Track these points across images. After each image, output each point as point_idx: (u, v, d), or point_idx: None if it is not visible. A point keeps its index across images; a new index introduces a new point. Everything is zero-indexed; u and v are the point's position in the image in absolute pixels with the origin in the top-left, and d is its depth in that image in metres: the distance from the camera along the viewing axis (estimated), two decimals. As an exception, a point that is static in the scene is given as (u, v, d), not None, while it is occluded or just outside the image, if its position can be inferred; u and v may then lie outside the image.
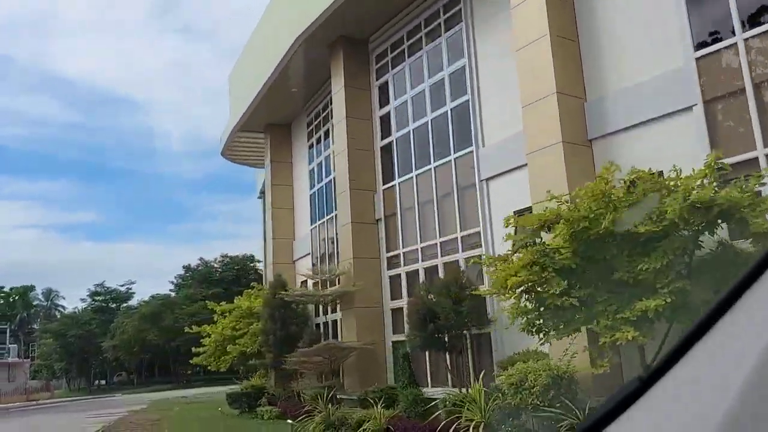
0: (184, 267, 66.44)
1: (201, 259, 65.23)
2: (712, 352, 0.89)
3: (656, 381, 0.95)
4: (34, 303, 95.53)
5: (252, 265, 64.11)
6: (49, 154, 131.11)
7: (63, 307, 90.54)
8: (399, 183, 17.01)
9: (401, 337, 15.30)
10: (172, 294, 62.83)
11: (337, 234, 19.18)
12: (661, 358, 0.96)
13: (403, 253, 16.53)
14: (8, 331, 59.24)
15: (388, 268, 17.07)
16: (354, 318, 16.82)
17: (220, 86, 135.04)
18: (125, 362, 64.32)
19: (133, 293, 70.53)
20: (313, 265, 21.33)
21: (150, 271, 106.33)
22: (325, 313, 20.52)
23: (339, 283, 18.01)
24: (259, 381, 21.78)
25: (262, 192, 28.47)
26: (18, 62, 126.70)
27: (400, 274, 16.53)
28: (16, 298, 30.41)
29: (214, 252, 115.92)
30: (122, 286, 70.64)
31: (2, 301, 30.73)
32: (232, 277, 62.69)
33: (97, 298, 69.65)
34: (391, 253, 17.03)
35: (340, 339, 17.78)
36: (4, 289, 30.80)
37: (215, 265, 64.93)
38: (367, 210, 17.59)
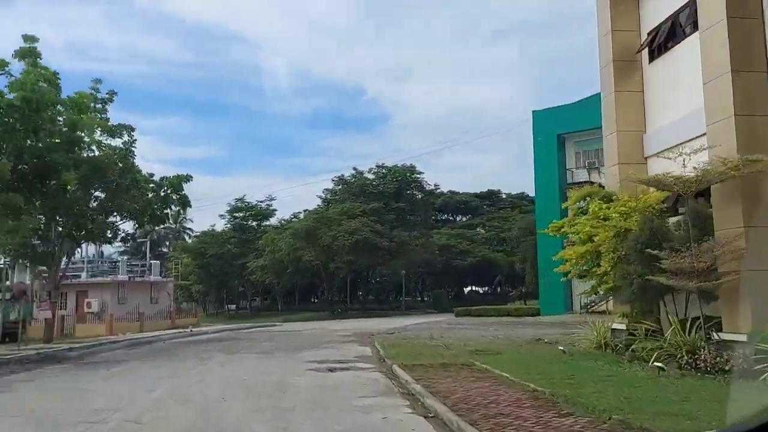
0: (334, 180, 57.40)
1: (355, 169, 55.77)
2: None
3: None
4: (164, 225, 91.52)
5: (414, 176, 53.84)
6: (166, 92, 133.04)
7: (191, 230, 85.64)
8: None
9: None
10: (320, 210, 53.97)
11: None
12: None
13: None
14: (149, 244, 52.90)
15: None
16: None
17: (320, 20, 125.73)
18: (273, 285, 57.12)
19: (275, 210, 62.82)
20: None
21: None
22: None
23: None
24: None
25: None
26: (137, 3, 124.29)
27: None
28: (168, 191, 20.48)
29: (325, 183, 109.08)
30: (262, 201, 63.08)
31: (151, 194, 21.27)
32: (393, 190, 52.83)
33: (236, 214, 62.45)
34: None
35: None
36: (154, 178, 20.80)
37: (370, 177, 55.22)
38: None
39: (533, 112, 42.22)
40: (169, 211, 24.78)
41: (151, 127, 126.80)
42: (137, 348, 21.48)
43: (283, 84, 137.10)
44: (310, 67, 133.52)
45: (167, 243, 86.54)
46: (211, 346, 21.67)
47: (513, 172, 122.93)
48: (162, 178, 24.52)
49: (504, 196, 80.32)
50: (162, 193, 24.28)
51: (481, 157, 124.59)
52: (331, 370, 13.34)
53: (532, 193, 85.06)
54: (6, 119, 16.32)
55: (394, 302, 67.63)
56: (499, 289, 72.79)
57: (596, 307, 37.63)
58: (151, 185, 24.01)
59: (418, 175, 53.81)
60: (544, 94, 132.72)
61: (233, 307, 76.39)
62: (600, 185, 38.52)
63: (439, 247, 58.56)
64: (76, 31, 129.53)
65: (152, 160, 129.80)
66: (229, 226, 63.12)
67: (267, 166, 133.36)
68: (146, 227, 33.09)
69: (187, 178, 24.50)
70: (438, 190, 53.99)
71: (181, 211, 24.16)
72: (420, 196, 55.00)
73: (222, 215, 63.26)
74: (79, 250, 47.48)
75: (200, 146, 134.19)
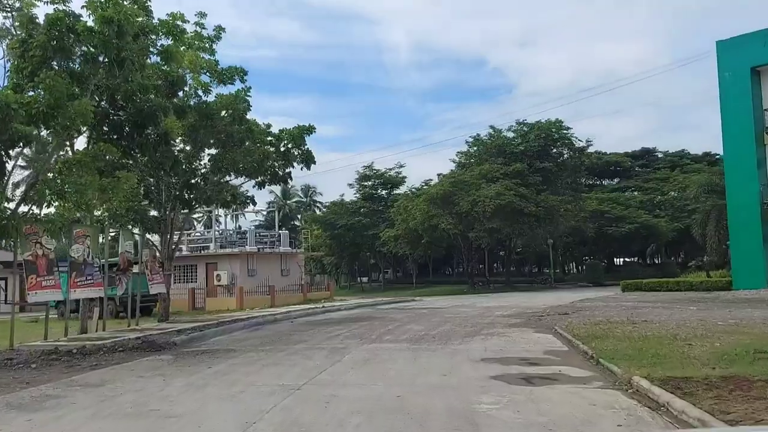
0: (468, 141, 51.98)
1: (492, 127, 49.97)
2: None
3: None
4: (294, 200, 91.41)
5: (562, 132, 47.13)
6: (294, 73, 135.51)
7: (321, 203, 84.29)
8: None
9: None
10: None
11: None
12: None
13: None
14: (277, 214, 51.00)
15: None
16: None
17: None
18: (406, 257, 53.27)
19: (404, 178, 58.66)
20: None
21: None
22: None
23: None
24: None
25: None
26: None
27: None
28: (289, 145, 16.10)
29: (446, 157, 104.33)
30: (391, 169, 59.15)
31: (273, 149, 17.21)
32: (537, 148, 46.53)
33: (365, 183, 59.12)
34: None
35: None
36: (272, 130, 16.51)
37: (510, 135, 49.24)
38: None
39: (717, 42, 34.10)
40: (291, 169, 20.95)
41: (277, 109, 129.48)
42: (259, 330, 17.99)
43: (404, 59, 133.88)
44: (430, 40, 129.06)
45: (299, 216, 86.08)
46: (346, 328, 17.68)
47: (665, 133, 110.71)
48: (281, 131, 20.78)
49: (660, 155, 70.64)
50: (282, 148, 20.55)
51: (621, 120, 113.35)
52: (528, 380, 8.53)
53: (693, 150, 75.25)
54: (84, 47, 12.88)
55: (539, 275, 61.44)
56: (657, 259, 64.10)
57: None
58: (269, 138, 20.33)
59: (565, 131, 47.05)
60: (684, 49, 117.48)
61: (365, 279, 74.09)
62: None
63: (589, 212, 51.57)
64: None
65: None
66: (358, 195, 60.02)
67: (392, 140, 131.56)
68: (269, 188, 29.77)
69: (310, 130, 20.60)
70: (590, 146, 47.02)
71: (305, 168, 20.15)
72: (568, 154, 48.18)
73: (350, 184, 60.28)
74: (218, 221, 46.71)
75: (326, 126, 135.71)
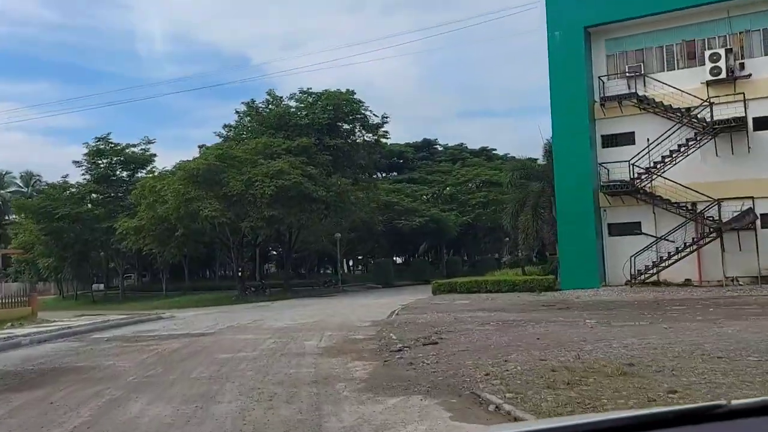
0: (239, 112, 41.36)
1: (269, 94, 40.01)
2: None
3: None
4: (10, 189, 72.17)
5: (354, 104, 39.24)
6: (30, 56, 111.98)
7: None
8: None
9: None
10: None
11: None
12: None
13: None
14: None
15: None
16: None
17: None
18: (154, 257, 40.62)
19: (154, 156, 45.70)
20: None
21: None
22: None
23: None
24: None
25: None
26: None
27: None
28: None
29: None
30: (135, 145, 45.69)
31: None
32: (326, 121, 38.00)
33: (100, 160, 44.82)
34: None
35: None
36: None
37: (291, 105, 39.99)
38: None
39: (546, -6, 28.79)
40: None
41: (12, 92, 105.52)
42: None
43: (159, 49, 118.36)
44: (188, 34, 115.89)
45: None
46: None
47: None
48: None
49: (441, 148, 67.82)
50: None
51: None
52: None
53: (471, 145, 74.25)
54: None
55: (319, 276, 53.14)
56: (446, 257, 60.45)
57: (648, 276, 25.88)
58: None
59: (358, 104, 39.29)
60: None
61: (102, 287, 58.63)
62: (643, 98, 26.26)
63: (378, 203, 44.88)
64: None
65: (15, 128, 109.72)
66: (87, 176, 45.46)
67: (146, 135, 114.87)
68: None
69: None
70: (387, 121, 39.94)
71: None
72: (360, 131, 40.49)
73: (77, 162, 45.31)
74: None
75: (69, 114, 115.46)
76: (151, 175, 36.24)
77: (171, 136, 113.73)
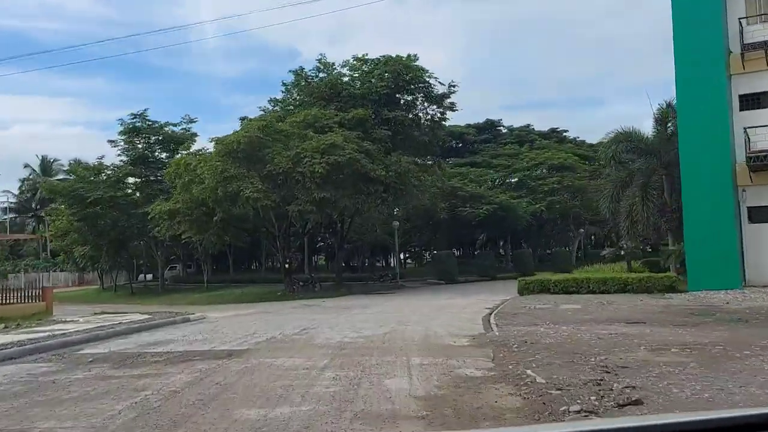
0: (285, 84, 36.66)
1: (320, 61, 35.07)
2: None
3: None
4: (59, 177, 70.50)
5: (417, 71, 33.91)
6: (87, 51, 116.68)
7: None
8: None
9: None
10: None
11: None
12: None
13: None
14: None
15: None
16: None
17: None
18: (194, 245, 36.45)
19: (195, 136, 41.59)
20: None
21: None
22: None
23: None
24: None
25: None
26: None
27: None
28: None
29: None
30: (176, 125, 41.68)
31: None
32: (385, 90, 32.91)
33: (137, 140, 40.98)
34: None
35: None
36: None
37: (344, 73, 35.02)
38: None
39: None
40: None
41: (73, 88, 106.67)
42: None
43: (211, 44, 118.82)
44: (238, 27, 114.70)
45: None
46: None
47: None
48: None
49: (505, 130, 61.88)
50: None
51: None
52: None
53: (539, 126, 67.97)
54: None
55: (373, 270, 48.17)
56: (503, 251, 54.75)
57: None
58: None
59: (421, 72, 33.98)
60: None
61: (150, 277, 55.40)
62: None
63: (442, 188, 39.61)
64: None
65: (77, 123, 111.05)
66: (124, 158, 41.71)
67: (186, 114, 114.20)
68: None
69: None
70: (454, 90, 34.44)
71: None
72: (422, 103, 35.11)
73: (113, 141, 41.55)
74: None
75: (125, 108, 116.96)
76: (186, 152, 31.74)
77: (220, 131, 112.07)
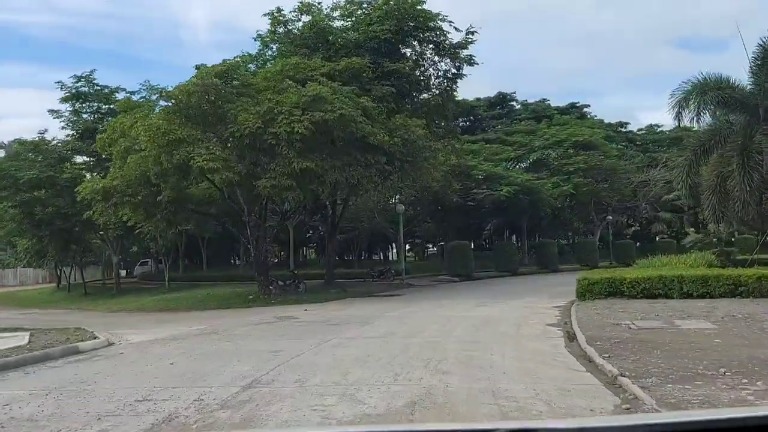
0: (260, 35, 29.29)
1: (301, 2, 27.65)
2: None
3: None
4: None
5: (424, 12, 26.63)
6: (77, 44, 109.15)
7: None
8: None
9: None
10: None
11: None
12: None
13: None
14: None
15: None
16: None
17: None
18: (152, 234, 29.18)
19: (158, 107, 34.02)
20: None
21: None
22: None
23: None
24: None
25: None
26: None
27: None
28: None
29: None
30: (134, 92, 34.15)
31: None
32: (387, 34, 25.65)
33: (81, 106, 33.53)
34: None
35: None
36: None
37: (335, 17, 27.70)
38: None
39: None
40: None
41: (63, 81, 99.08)
42: None
43: (205, 38, 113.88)
44: (231, 21, 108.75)
45: None
46: None
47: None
48: None
49: (518, 106, 54.76)
50: None
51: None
52: None
53: (556, 102, 60.67)
54: None
55: (371, 264, 40.88)
56: (517, 237, 47.57)
57: None
58: None
59: (431, 15, 26.77)
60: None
61: (124, 273, 48.04)
62: None
63: (451, 168, 32.47)
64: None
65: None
66: (70, 131, 34.31)
67: (146, 80, 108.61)
68: None
69: None
70: (473, 40, 27.12)
71: None
72: (431, 55, 27.84)
73: (54, 111, 34.05)
74: None
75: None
76: (124, 113, 24.35)
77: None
